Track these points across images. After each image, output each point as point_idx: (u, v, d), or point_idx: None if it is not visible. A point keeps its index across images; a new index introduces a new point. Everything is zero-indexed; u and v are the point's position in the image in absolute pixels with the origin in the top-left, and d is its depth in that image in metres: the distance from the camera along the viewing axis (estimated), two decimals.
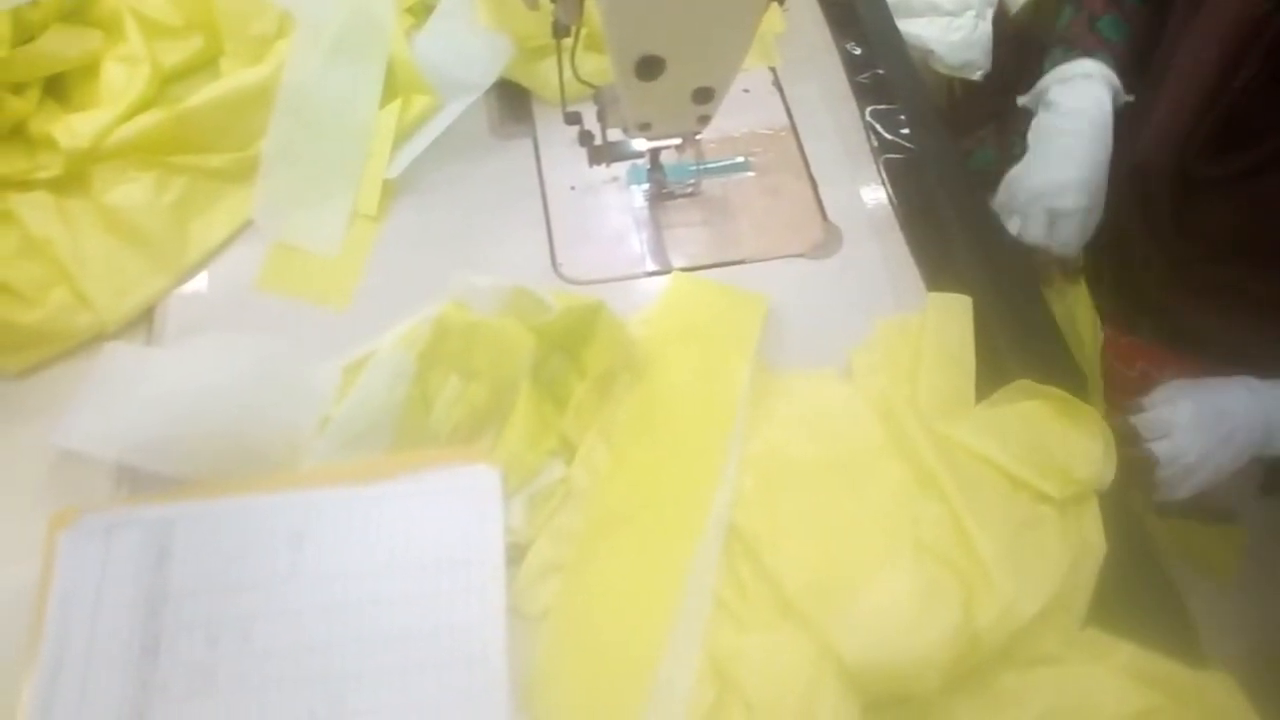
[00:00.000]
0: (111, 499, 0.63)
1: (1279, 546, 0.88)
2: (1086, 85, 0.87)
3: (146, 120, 0.74)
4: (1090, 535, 0.62)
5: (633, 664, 0.56)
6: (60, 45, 0.77)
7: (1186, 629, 0.64)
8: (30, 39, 0.76)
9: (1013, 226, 0.88)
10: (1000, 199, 0.90)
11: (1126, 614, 0.60)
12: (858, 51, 0.95)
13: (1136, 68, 0.88)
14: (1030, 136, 0.90)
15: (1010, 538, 0.59)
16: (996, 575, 0.56)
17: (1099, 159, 0.85)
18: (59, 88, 0.79)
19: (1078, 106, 0.86)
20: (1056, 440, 0.65)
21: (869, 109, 0.90)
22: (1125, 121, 0.87)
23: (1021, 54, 0.94)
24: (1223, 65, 0.77)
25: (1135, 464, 0.75)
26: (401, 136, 0.82)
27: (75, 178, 0.73)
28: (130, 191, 0.73)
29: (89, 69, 0.79)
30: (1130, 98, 0.88)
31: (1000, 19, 1.26)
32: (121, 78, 0.77)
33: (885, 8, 1.00)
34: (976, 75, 1.24)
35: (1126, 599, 0.61)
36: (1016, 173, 0.89)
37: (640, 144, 0.75)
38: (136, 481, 0.63)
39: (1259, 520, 0.91)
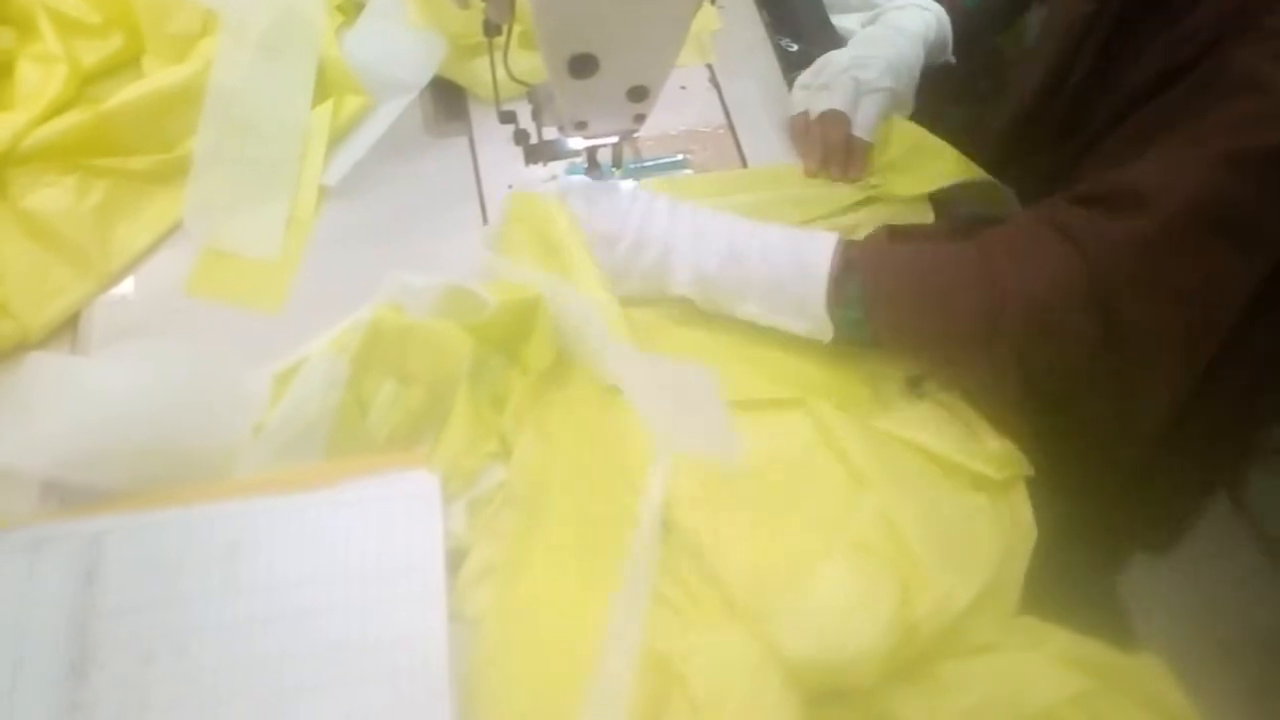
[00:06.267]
0: (37, 513, 0.61)
1: (1208, 531, 0.90)
2: (916, 10, 0.90)
3: (65, 122, 0.72)
4: (1021, 520, 0.64)
5: (569, 664, 0.56)
6: None
7: (1118, 612, 0.65)
8: None
9: (820, 103, 0.83)
10: (804, 79, 0.87)
11: (1060, 600, 0.62)
12: (793, 48, 0.96)
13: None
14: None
15: (944, 528, 0.60)
16: (930, 567, 0.57)
17: (908, 58, 0.86)
18: None
19: (900, 19, 0.89)
20: (985, 426, 0.67)
21: None
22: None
23: (959, 50, 0.95)
24: (1058, 63, 0.79)
25: None
26: (335, 137, 0.81)
27: None
28: (50, 196, 0.71)
29: (2, 69, 0.76)
30: (952, 59, 0.90)
31: None
32: (37, 78, 0.75)
33: (819, 3, 1.01)
34: None
35: (1059, 585, 0.63)
36: (830, 54, 0.87)
37: (577, 143, 0.74)
38: (64, 495, 0.61)
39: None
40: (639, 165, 0.84)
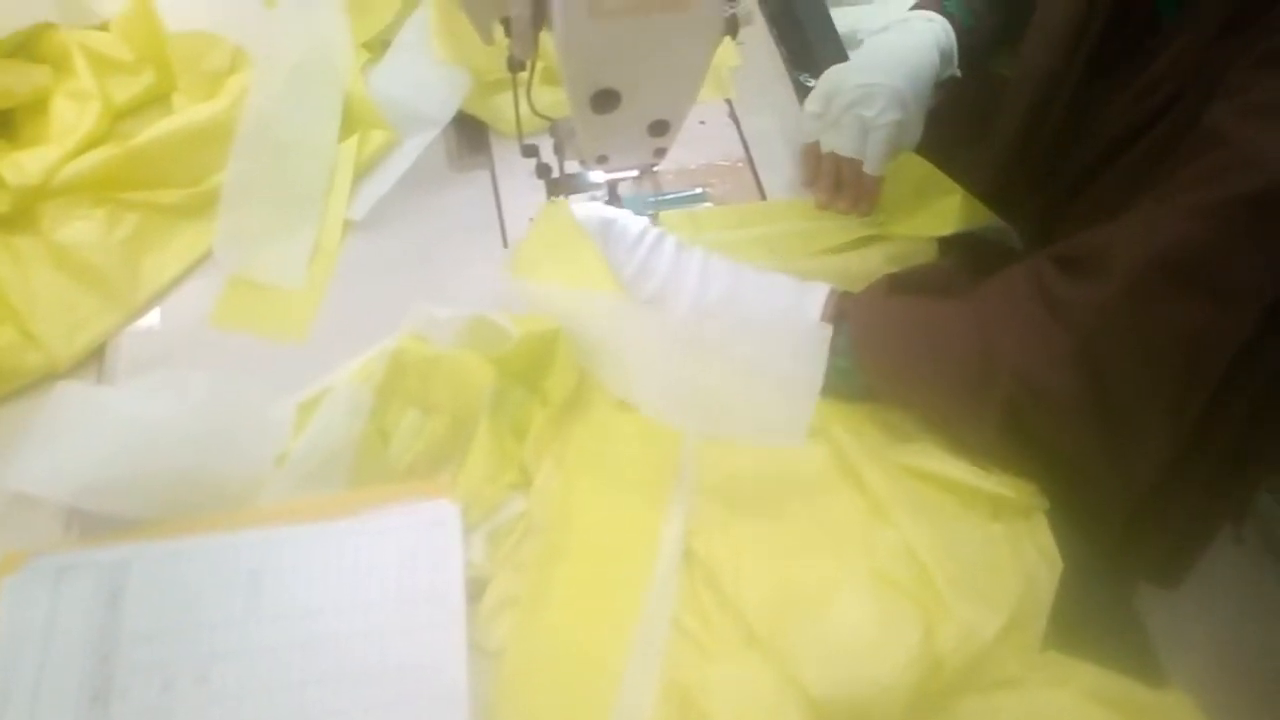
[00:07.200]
0: (62, 541, 0.62)
1: (1231, 565, 0.89)
2: (921, 23, 0.88)
3: (97, 156, 0.74)
4: (1044, 550, 0.63)
5: (590, 695, 0.56)
6: (7, 81, 0.76)
7: (1144, 646, 0.65)
8: None
9: (828, 140, 0.83)
10: (812, 106, 0.85)
11: (1084, 633, 0.61)
12: (811, 83, 0.96)
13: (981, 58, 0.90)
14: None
15: (966, 560, 0.60)
16: (954, 599, 0.57)
17: (916, 78, 0.83)
18: (6, 124, 0.78)
19: (907, 31, 0.86)
20: None
21: None
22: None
23: (972, 84, 0.96)
24: (1032, 114, 0.80)
25: None
26: (361, 171, 0.82)
27: (24, 215, 0.72)
28: (81, 229, 0.72)
29: (37, 105, 0.78)
30: (958, 72, 0.89)
31: None
32: (71, 114, 0.77)
33: (837, 39, 1.02)
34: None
35: (1083, 618, 0.62)
36: (835, 69, 0.85)
37: (598, 176, 0.75)
38: (88, 523, 0.62)
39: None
40: (659, 198, 0.85)
